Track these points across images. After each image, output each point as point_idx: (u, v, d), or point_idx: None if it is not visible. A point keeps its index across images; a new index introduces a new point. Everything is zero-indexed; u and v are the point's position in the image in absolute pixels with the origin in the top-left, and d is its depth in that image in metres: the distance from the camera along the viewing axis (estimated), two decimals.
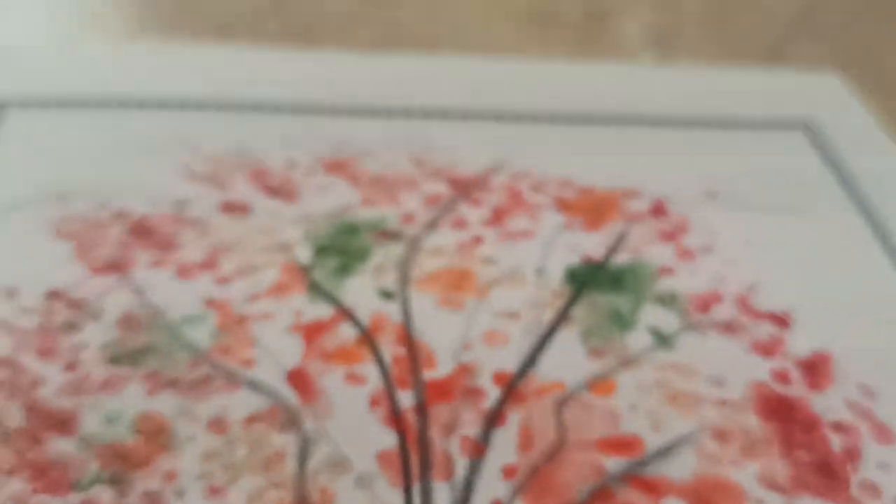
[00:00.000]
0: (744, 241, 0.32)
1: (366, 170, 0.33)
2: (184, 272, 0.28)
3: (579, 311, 0.29)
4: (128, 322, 0.26)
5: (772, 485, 0.25)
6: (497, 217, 0.32)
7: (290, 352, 0.26)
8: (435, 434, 0.25)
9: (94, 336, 0.26)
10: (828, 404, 0.27)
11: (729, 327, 0.29)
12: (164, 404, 0.24)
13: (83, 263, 0.28)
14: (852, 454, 0.26)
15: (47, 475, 0.23)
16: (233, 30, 0.40)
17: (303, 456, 0.24)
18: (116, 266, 0.28)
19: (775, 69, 0.41)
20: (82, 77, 0.35)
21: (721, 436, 0.26)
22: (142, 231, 0.29)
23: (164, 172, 0.32)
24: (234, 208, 0.31)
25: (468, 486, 0.24)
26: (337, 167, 0.33)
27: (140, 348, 0.26)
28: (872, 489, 0.25)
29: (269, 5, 0.42)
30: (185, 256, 0.29)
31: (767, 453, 0.25)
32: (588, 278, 0.30)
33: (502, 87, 0.37)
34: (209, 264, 0.29)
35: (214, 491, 0.23)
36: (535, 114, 0.36)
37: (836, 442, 0.26)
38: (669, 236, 0.32)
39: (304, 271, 0.29)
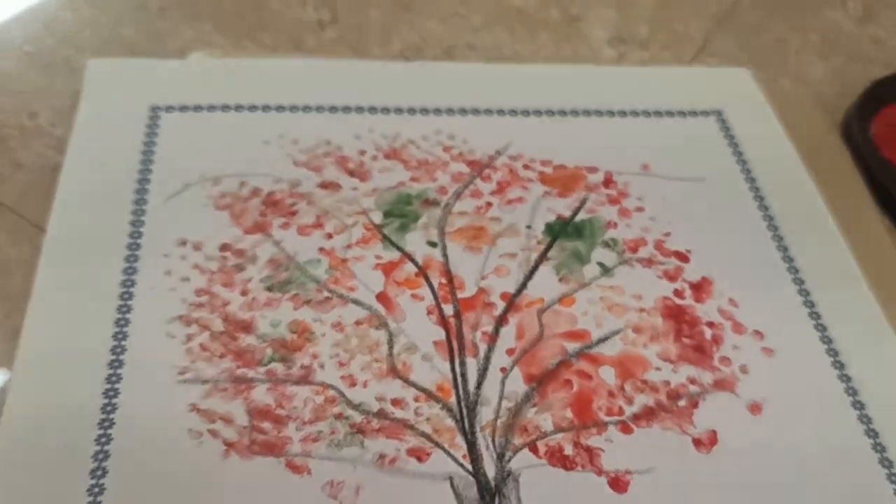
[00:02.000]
0: (664, 202, 0.48)
1: (412, 156, 0.48)
2: (302, 230, 0.44)
3: (553, 253, 0.45)
4: (274, 264, 0.43)
5: (666, 358, 0.41)
6: (500, 189, 0.48)
7: (376, 281, 0.43)
8: (466, 330, 0.41)
9: (254, 273, 0.42)
10: (705, 310, 0.43)
11: (649, 262, 0.45)
12: (305, 314, 0.41)
13: (238, 226, 0.44)
14: (717, 340, 0.42)
15: (242, 357, 0.39)
16: (302, 41, 0.55)
17: (390, 343, 0.40)
18: (260, 227, 0.44)
19: (697, 67, 0.56)
20: (214, 86, 0.50)
21: (637, 330, 0.42)
22: (271, 203, 0.45)
23: (277, 160, 0.47)
24: (327, 186, 0.46)
25: (487, 360, 0.40)
26: (393, 154, 0.48)
27: (284, 280, 0.42)
28: (727, 360, 0.42)
29: (329, 17, 0.56)
30: (302, 220, 0.45)
31: (665, 340, 0.42)
32: (560, 231, 0.46)
33: (502, 89, 0.52)
34: (317, 225, 0.44)
35: (342, 364, 0.39)
36: (526, 109, 0.52)
37: (708, 333, 0.43)
38: (615, 200, 0.48)
39: (378, 229, 0.45)
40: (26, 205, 0.44)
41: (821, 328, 0.43)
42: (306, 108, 0.50)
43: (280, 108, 0.50)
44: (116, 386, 0.37)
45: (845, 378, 0.41)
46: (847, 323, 0.44)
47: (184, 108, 0.49)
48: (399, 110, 0.51)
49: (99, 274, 0.41)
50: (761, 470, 0.38)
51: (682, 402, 0.40)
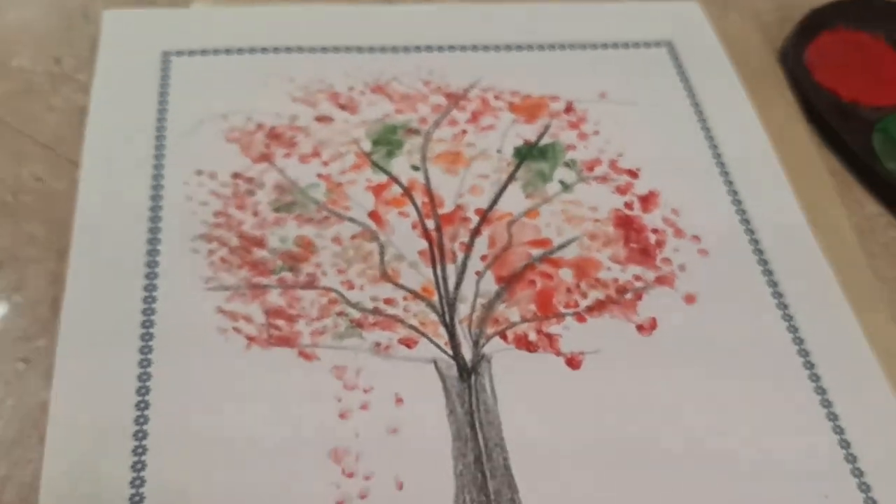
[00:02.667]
0: (618, 126, 0.55)
1: (395, 90, 0.55)
2: (303, 159, 0.51)
3: (521, 173, 0.52)
4: (279, 188, 0.49)
5: (616, 260, 0.49)
6: (474, 118, 0.54)
7: (367, 201, 0.50)
8: (446, 241, 0.48)
9: (263, 197, 0.49)
10: (651, 219, 0.51)
11: (604, 179, 0.52)
12: (308, 231, 0.48)
13: (247, 156, 0.51)
14: (660, 244, 0.50)
15: (257, 268, 0.46)
16: None
17: (381, 253, 0.47)
18: (265, 157, 0.51)
19: (650, 2, 0.62)
20: (217, 32, 0.56)
21: (592, 237, 0.49)
22: (274, 136, 0.52)
23: (278, 96, 0.53)
24: (322, 119, 0.53)
25: (463, 265, 0.48)
26: (378, 89, 0.55)
27: (289, 202, 0.49)
28: (667, 261, 0.49)
29: None
30: (301, 150, 0.51)
31: (615, 245, 0.49)
32: (526, 154, 0.53)
33: (474, 27, 0.59)
34: (315, 154, 0.51)
35: (341, 271, 0.47)
36: (496, 44, 0.58)
37: (652, 238, 0.50)
38: (574, 125, 0.54)
39: (367, 156, 0.52)
40: (63, 143, 0.51)
41: (749, 232, 0.51)
42: (300, 49, 0.56)
43: (277, 50, 0.56)
44: (154, 294, 0.45)
45: (768, 272, 0.49)
46: (775, 225, 0.51)
47: (192, 53, 0.55)
48: (383, 49, 0.57)
49: (128, 199, 0.48)
50: (693, 349, 0.46)
51: (628, 296, 0.47)
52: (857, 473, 0.42)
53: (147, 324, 0.44)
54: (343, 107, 0.54)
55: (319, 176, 0.50)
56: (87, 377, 0.42)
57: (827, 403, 0.45)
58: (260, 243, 0.47)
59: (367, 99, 0.54)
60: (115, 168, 0.49)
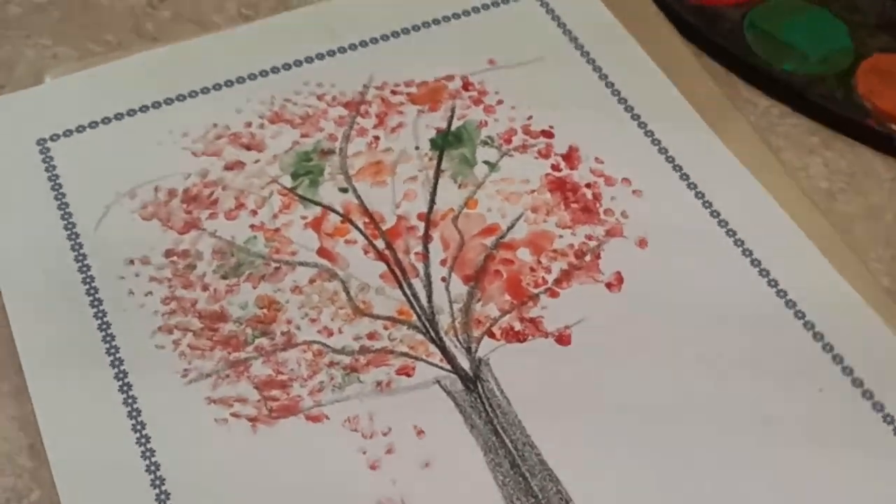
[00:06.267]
0: (517, 90, 0.55)
1: (293, 113, 0.53)
2: (229, 215, 0.49)
3: (446, 164, 0.52)
4: (219, 253, 0.47)
5: (564, 226, 0.50)
6: (380, 121, 0.53)
7: (310, 239, 0.48)
8: (402, 256, 0.48)
9: (205, 268, 0.47)
10: (580, 175, 0.52)
11: (523, 147, 0.53)
12: (265, 289, 0.46)
13: (172, 230, 0.48)
14: (597, 197, 0.51)
15: (230, 343, 0.45)
16: (142, 28, 0.56)
17: (346, 289, 0.47)
18: (191, 225, 0.48)
19: None
20: (84, 103, 0.52)
21: (534, 209, 0.50)
22: (191, 199, 0.49)
23: (177, 155, 0.50)
24: (232, 166, 0.50)
25: (427, 276, 0.48)
26: (276, 117, 0.53)
27: (234, 265, 0.47)
28: (610, 211, 0.51)
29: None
30: (224, 206, 0.49)
31: (558, 211, 0.51)
32: (443, 143, 0.53)
33: (343, 24, 0.57)
34: (240, 206, 0.49)
35: (313, 320, 0.46)
36: (372, 37, 0.56)
37: (588, 194, 0.51)
38: (477, 101, 0.54)
39: (292, 191, 0.50)
40: None
41: (671, 160, 0.53)
42: (179, 98, 0.53)
43: (156, 105, 0.52)
44: (138, 413, 0.42)
45: (700, 195, 0.52)
46: (689, 148, 0.53)
47: (67, 133, 0.51)
48: (263, 73, 0.54)
49: (66, 319, 0.45)
50: (660, 293, 0.48)
51: (587, 258, 0.49)
52: (838, 360, 0.46)
53: (141, 440, 0.42)
54: (248, 147, 0.51)
55: (253, 227, 0.48)
56: None
57: (774, 283, 0.48)
58: (222, 317, 0.46)
59: (268, 131, 0.52)
60: (41, 291, 0.46)
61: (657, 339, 0.46)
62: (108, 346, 0.44)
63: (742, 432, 0.44)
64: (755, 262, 0.49)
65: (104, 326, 0.45)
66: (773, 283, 0.48)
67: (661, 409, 0.44)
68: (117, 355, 0.44)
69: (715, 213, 0.51)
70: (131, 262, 0.47)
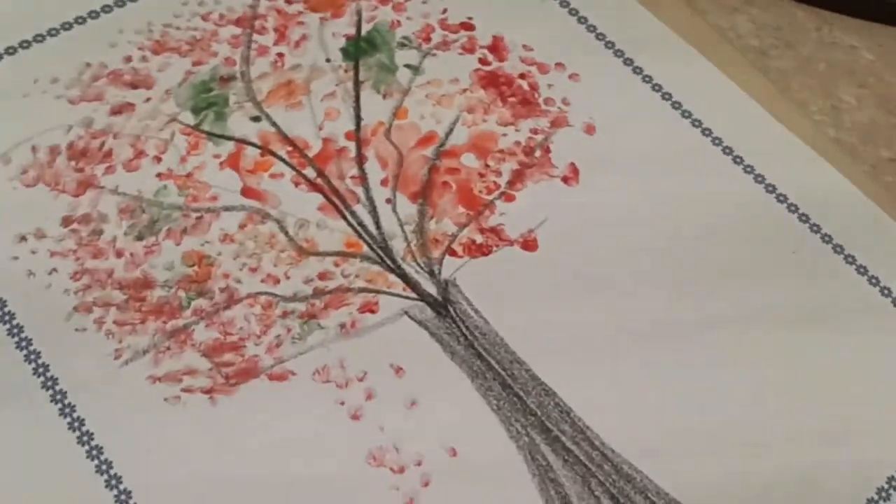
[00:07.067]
0: None
1: (178, 40, 0.46)
2: (129, 166, 0.42)
3: (364, 74, 0.46)
4: (127, 212, 0.41)
5: (505, 123, 0.46)
6: (281, 35, 0.47)
7: (232, 179, 0.42)
8: (337, 183, 0.43)
9: (115, 230, 0.40)
10: (512, 65, 0.48)
11: (444, 44, 0.48)
12: (190, 244, 0.40)
13: (64, 193, 0.41)
14: (534, 87, 0.47)
15: (164, 311, 0.39)
16: None
17: (283, 229, 0.41)
18: (86, 184, 0.41)
19: None
20: None
21: (470, 110, 0.46)
22: (78, 154, 0.42)
23: (51, 105, 0.43)
24: (120, 109, 0.43)
25: (370, 200, 0.43)
26: (159, 46, 0.45)
27: (147, 223, 0.41)
28: (550, 100, 0.47)
29: None
30: (121, 156, 0.42)
31: (496, 108, 0.46)
32: (356, 50, 0.47)
33: None
34: (139, 154, 0.42)
35: (254, 270, 0.40)
36: None
37: (524, 84, 0.47)
38: (384, 0, 0.49)
39: (196, 128, 0.43)
40: None
41: (601, 37, 0.49)
42: (37, 38, 0.45)
43: (9, 51, 0.44)
44: (76, 414, 0.36)
45: (638, 70, 0.48)
46: (627, 32, 0.49)
47: None
48: None
49: None
50: (617, 179, 0.45)
51: (537, 154, 0.45)
52: (805, 219, 0.45)
53: (84, 440, 0.36)
54: (134, 85, 0.44)
55: (160, 176, 0.42)
56: None
57: (739, 159, 0.46)
58: (147, 284, 0.39)
59: (154, 64, 0.45)
60: None
61: (625, 228, 0.43)
62: (16, 339, 0.37)
63: (724, 319, 0.41)
64: (706, 132, 0.47)
65: (7, 318, 0.38)
66: (727, 151, 0.46)
67: (643, 305, 0.41)
68: (31, 348, 0.37)
69: (657, 87, 0.48)
70: (23, 238, 0.39)
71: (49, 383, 0.37)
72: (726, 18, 0.53)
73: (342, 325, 0.39)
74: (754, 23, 0.53)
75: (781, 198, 0.45)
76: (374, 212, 0.42)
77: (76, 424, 0.36)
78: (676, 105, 0.47)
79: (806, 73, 0.51)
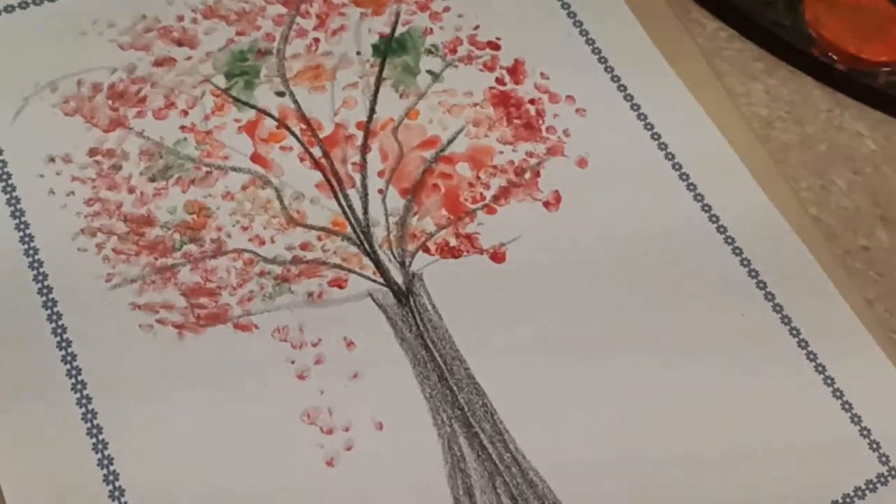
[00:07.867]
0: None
1: (228, 8, 0.50)
2: (158, 114, 0.47)
3: (387, 72, 0.50)
4: (147, 154, 0.45)
5: (505, 141, 0.49)
6: (321, 22, 0.51)
7: (244, 144, 0.47)
8: (338, 166, 0.47)
9: (132, 169, 0.45)
10: (525, 90, 0.51)
11: (468, 58, 0.51)
12: (195, 194, 0.45)
13: (97, 127, 0.46)
14: (540, 114, 0.50)
15: (157, 249, 0.43)
16: None
17: (279, 197, 0.45)
18: (118, 122, 0.46)
19: None
20: None
21: (476, 123, 0.49)
22: (117, 95, 0.47)
23: (103, 47, 0.48)
24: (162, 62, 0.48)
25: (364, 187, 0.47)
26: (210, 12, 0.50)
27: (163, 167, 0.45)
28: (552, 129, 0.50)
29: None
30: (153, 104, 0.47)
31: (500, 127, 0.50)
32: (386, 49, 0.51)
33: None
34: (170, 105, 0.47)
35: (245, 228, 0.44)
36: None
37: (532, 110, 0.50)
38: (424, 7, 0.52)
39: (226, 92, 0.48)
40: None
41: (616, 79, 0.52)
42: None
43: None
44: (57, 309, 0.41)
45: (643, 116, 0.51)
46: (636, 68, 0.52)
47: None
48: None
49: None
50: (597, 214, 0.48)
51: (527, 175, 0.48)
52: (762, 286, 0.47)
53: (62, 344, 0.40)
54: (180, 42, 0.49)
55: (183, 129, 0.46)
56: (31, 435, 0.39)
57: (707, 208, 0.49)
58: (149, 222, 0.44)
59: (202, 27, 0.49)
60: None
61: (590, 260, 0.46)
62: (25, 246, 0.42)
63: (665, 351, 0.45)
64: (691, 187, 0.49)
65: (22, 226, 0.43)
66: (706, 209, 0.49)
67: (587, 328, 0.45)
68: (36, 257, 0.42)
69: (656, 136, 0.51)
70: (52, 159, 0.44)
71: (45, 290, 0.41)
72: (744, 84, 0.55)
73: (310, 294, 0.43)
74: (769, 93, 0.55)
75: (746, 264, 0.48)
76: (365, 198, 0.46)
77: (59, 331, 0.41)
78: (670, 156, 0.50)
79: (805, 150, 0.53)
